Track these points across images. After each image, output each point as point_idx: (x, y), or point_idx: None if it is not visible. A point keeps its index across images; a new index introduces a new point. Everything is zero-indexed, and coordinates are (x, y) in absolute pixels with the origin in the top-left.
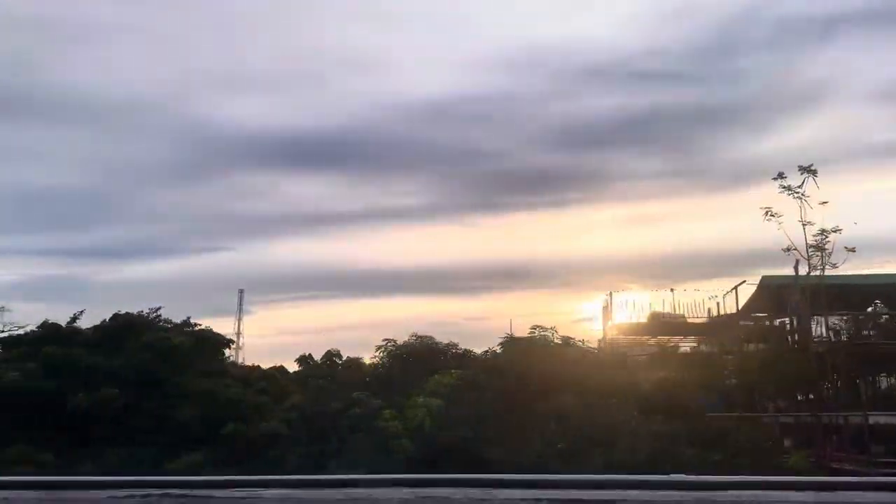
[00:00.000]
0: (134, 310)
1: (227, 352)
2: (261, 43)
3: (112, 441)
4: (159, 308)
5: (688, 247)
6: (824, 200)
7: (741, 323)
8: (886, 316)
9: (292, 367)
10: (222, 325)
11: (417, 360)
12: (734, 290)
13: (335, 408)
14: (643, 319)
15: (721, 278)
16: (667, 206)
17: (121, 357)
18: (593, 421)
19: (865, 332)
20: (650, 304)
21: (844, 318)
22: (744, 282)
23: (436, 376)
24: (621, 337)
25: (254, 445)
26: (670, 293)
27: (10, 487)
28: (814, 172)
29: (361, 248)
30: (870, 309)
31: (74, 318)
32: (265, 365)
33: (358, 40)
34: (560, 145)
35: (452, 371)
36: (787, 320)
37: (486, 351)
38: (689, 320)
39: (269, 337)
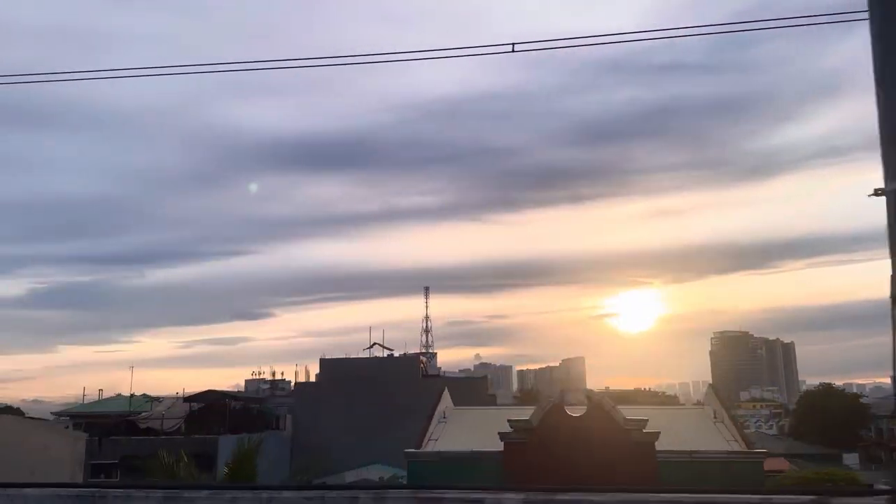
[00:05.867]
0: None
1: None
2: (275, 47)
3: None
4: None
5: (709, 240)
6: None
7: None
8: None
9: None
10: (244, 329)
11: None
12: None
13: None
14: None
15: (744, 271)
16: (686, 199)
17: None
18: None
19: None
20: None
21: None
22: None
23: None
24: None
25: None
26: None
27: None
28: None
29: (380, 248)
30: None
31: None
32: None
33: (372, 41)
34: (577, 140)
35: None
36: None
37: None
38: None
39: (291, 339)
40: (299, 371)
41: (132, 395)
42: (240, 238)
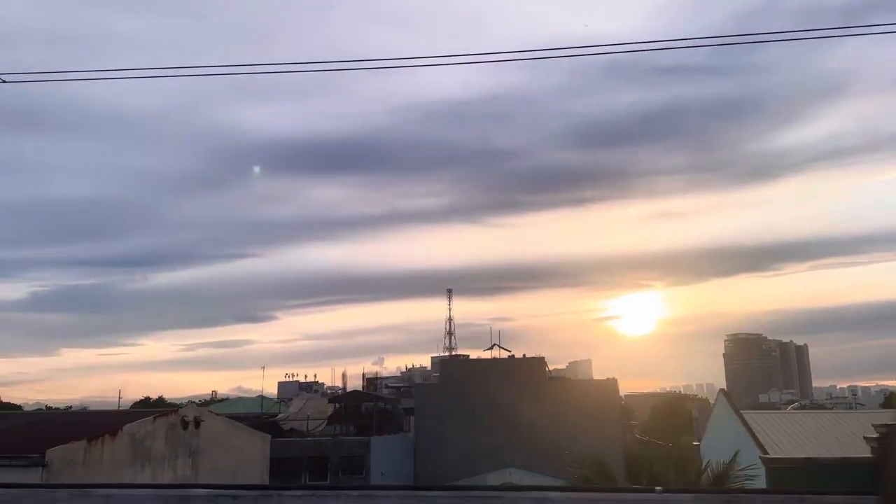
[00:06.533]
0: None
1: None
2: (277, 48)
3: None
4: None
5: (712, 242)
6: None
7: None
8: None
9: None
10: (247, 332)
11: None
12: None
13: None
14: None
15: (747, 273)
16: (689, 201)
17: None
18: None
19: None
20: None
21: None
22: None
23: None
24: None
25: None
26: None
27: None
28: None
29: (383, 251)
30: None
31: None
32: None
33: (376, 43)
34: (580, 142)
35: None
36: None
37: None
38: None
39: (293, 342)
40: (367, 370)
41: (262, 396)
42: (243, 241)
